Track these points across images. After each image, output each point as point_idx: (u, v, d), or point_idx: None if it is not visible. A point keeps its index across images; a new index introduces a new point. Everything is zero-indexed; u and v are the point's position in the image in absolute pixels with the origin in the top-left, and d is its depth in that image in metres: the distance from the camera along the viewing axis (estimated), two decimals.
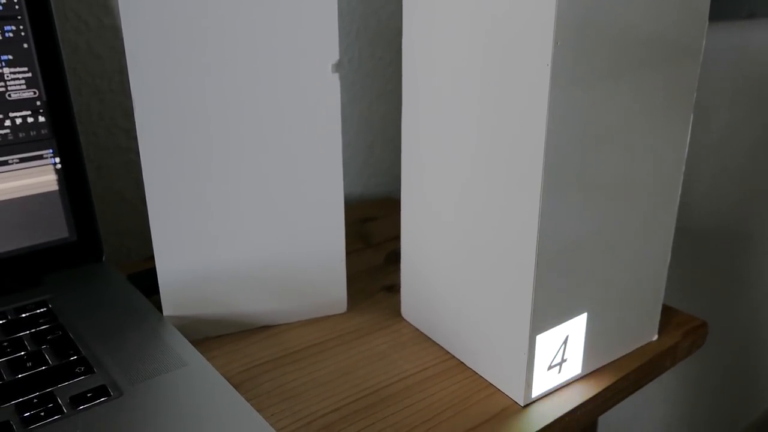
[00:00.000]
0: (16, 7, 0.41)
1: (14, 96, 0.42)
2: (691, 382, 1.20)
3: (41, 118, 0.43)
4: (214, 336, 0.44)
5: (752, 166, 1.12)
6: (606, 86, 0.34)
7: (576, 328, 0.39)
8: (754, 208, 1.15)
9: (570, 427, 0.38)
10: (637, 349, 0.44)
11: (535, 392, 0.38)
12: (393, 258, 0.56)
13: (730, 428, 1.35)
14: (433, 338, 0.44)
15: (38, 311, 0.40)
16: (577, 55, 0.32)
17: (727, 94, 1.02)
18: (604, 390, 0.40)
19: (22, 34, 0.42)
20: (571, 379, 0.40)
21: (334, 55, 0.41)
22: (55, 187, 0.44)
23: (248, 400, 0.34)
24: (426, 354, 0.43)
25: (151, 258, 0.43)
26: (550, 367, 0.38)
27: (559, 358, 0.38)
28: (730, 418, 1.35)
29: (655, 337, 0.45)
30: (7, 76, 0.42)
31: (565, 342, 0.38)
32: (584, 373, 0.41)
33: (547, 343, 0.37)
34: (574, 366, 0.40)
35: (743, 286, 1.21)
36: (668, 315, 0.47)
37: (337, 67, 0.42)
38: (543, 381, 0.38)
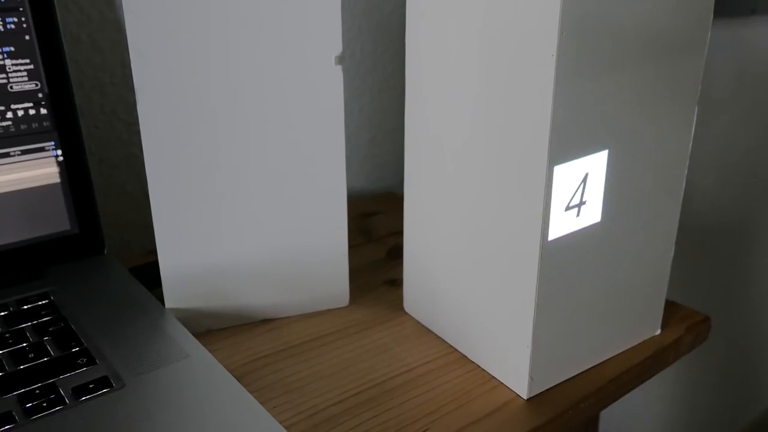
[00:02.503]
0: None
1: (16, 88, 0.42)
2: (691, 378, 1.20)
3: (43, 111, 0.43)
4: (217, 329, 0.44)
5: (756, 161, 1.12)
6: (611, 78, 0.34)
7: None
8: (758, 205, 1.15)
9: (573, 421, 0.38)
10: (640, 343, 0.44)
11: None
12: (395, 252, 0.56)
13: (731, 425, 1.35)
14: (436, 332, 0.44)
15: (40, 303, 0.40)
16: (583, 46, 0.32)
17: (730, 90, 1.02)
18: (607, 383, 0.40)
19: (24, 25, 0.42)
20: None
21: (338, 48, 0.41)
22: (56, 179, 0.44)
23: (250, 393, 0.34)
24: (428, 347, 0.43)
25: (153, 251, 0.42)
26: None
27: None
28: (730, 414, 1.34)
29: (658, 332, 0.45)
30: (9, 68, 0.41)
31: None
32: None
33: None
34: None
35: (745, 283, 1.21)
36: (671, 310, 0.47)
37: (341, 59, 0.41)
38: None
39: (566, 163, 0.34)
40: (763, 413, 1.40)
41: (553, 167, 0.33)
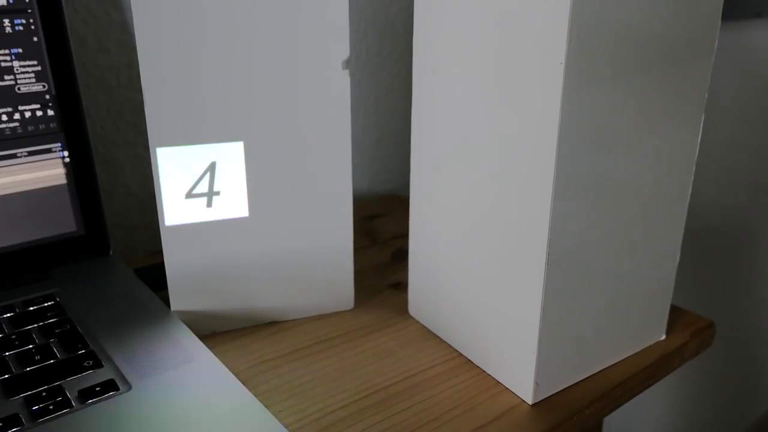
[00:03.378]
0: (27, 0, 0.41)
1: (24, 89, 0.42)
2: (694, 381, 1.20)
3: (50, 112, 0.43)
4: (222, 331, 0.44)
5: (759, 165, 1.11)
6: (618, 86, 0.34)
7: None
8: (761, 208, 1.15)
9: (578, 426, 0.38)
10: (645, 348, 0.44)
11: None
12: (399, 255, 0.56)
13: (734, 426, 1.35)
14: (441, 336, 0.44)
15: (46, 305, 0.40)
16: (591, 54, 0.32)
17: (734, 93, 1.02)
18: (612, 389, 0.40)
19: (32, 27, 0.42)
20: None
21: (345, 52, 0.41)
22: (63, 180, 0.44)
23: (255, 396, 0.34)
24: (433, 351, 0.43)
25: (157, 252, 0.43)
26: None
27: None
28: (733, 418, 1.34)
29: (663, 337, 0.45)
30: (17, 70, 0.42)
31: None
32: (593, 373, 0.41)
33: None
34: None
35: (749, 287, 1.21)
36: (676, 315, 0.47)
37: (348, 63, 0.41)
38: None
39: None
40: (766, 416, 1.40)
41: None
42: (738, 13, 0.97)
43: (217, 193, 0.39)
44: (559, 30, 0.31)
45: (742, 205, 1.12)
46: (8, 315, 0.39)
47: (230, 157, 0.40)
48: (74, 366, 0.35)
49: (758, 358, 1.31)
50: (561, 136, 0.32)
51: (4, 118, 0.41)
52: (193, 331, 0.39)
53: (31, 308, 0.40)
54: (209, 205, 0.39)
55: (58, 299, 0.41)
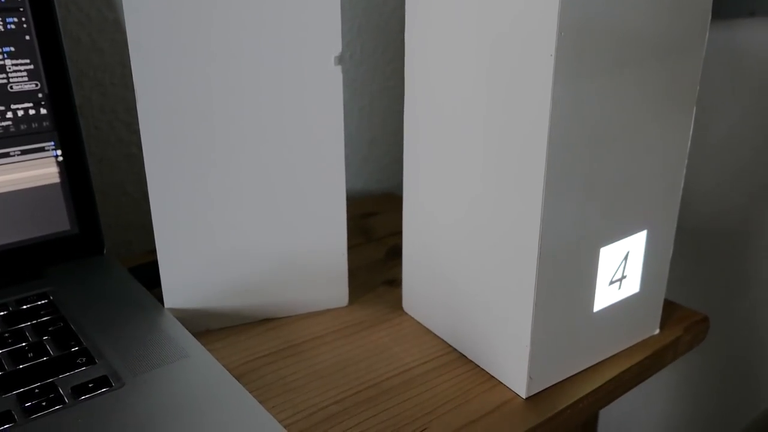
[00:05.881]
0: None
1: (16, 88, 0.42)
2: (691, 378, 1.20)
3: (43, 111, 0.43)
4: (216, 328, 0.44)
5: (753, 164, 1.12)
6: (609, 80, 0.34)
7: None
8: (755, 206, 1.15)
9: (571, 420, 0.38)
10: (638, 342, 0.44)
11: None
12: (394, 253, 0.56)
13: (731, 425, 1.35)
14: (435, 331, 0.44)
15: (39, 303, 0.40)
16: (581, 47, 0.32)
17: (728, 92, 1.02)
18: (606, 383, 0.40)
19: (25, 25, 0.42)
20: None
21: (337, 48, 0.41)
22: (56, 179, 0.44)
23: (250, 392, 0.34)
24: (427, 347, 0.43)
25: (152, 251, 0.43)
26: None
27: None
28: (730, 415, 1.35)
29: (657, 331, 0.45)
30: (9, 68, 0.42)
31: None
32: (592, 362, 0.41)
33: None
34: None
35: (744, 284, 1.21)
36: (670, 309, 0.47)
37: (340, 59, 0.42)
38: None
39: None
40: (764, 413, 1.40)
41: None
42: (732, 12, 0.97)
43: None
44: (550, 22, 0.31)
45: (737, 205, 1.12)
46: (2, 313, 0.39)
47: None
48: (67, 363, 0.35)
49: (756, 358, 1.31)
50: (552, 129, 0.33)
51: None
52: (187, 328, 0.39)
53: (25, 307, 0.40)
54: None
55: (51, 298, 0.41)
